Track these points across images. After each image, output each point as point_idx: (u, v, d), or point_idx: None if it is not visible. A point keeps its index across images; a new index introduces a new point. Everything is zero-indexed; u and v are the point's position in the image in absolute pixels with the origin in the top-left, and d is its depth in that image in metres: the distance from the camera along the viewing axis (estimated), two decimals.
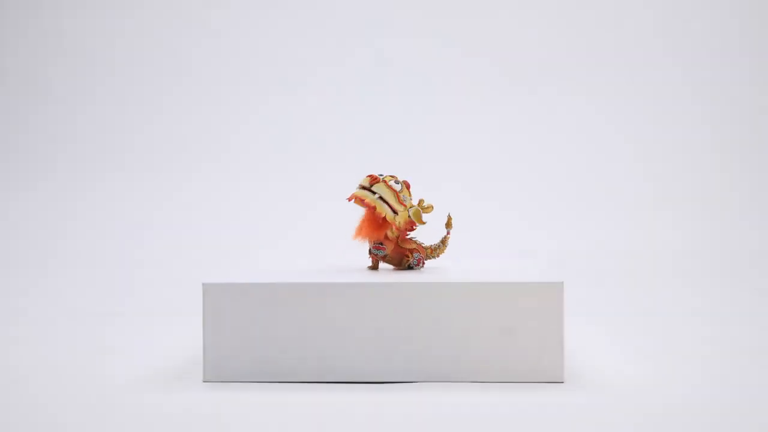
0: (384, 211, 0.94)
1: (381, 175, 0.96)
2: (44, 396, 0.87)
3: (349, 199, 0.96)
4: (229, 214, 1.81)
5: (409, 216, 0.96)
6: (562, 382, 0.88)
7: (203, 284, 0.89)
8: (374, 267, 0.98)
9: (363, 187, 0.95)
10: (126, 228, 1.78)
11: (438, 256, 1.01)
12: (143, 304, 1.40)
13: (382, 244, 0.96)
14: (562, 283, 0.89)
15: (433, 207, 0.97)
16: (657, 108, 1.89)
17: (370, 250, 0.97)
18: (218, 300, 0.89)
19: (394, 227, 0.95)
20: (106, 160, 1.89)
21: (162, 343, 1.10)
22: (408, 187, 0.97)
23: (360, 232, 0.96)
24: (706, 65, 1.89)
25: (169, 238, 1.75)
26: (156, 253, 1.70)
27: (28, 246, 1.74)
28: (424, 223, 0.97)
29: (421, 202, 0.97)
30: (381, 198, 0.95)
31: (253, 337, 0.89)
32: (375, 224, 0.95)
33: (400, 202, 0.95)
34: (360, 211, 0.96)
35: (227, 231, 1.77)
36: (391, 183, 0.95)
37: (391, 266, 0.99)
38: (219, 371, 0.89)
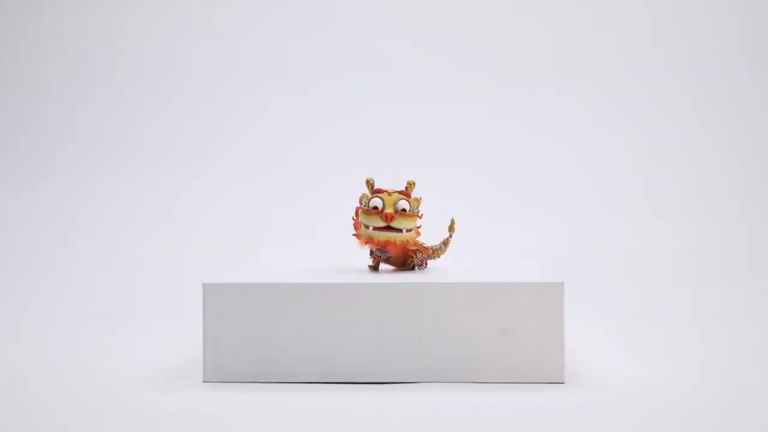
0: (413, 239, 0.94)
1: (378, 193, 0.94)
2: (44, 396, 0.87)
3: (370, 244, 0.94)
4: (230, 213, 1.81)
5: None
6: (563, 383, 0.88)
7: (203, 284, 0.89)
8: (375, 267, 0.98)
9: (378, 228, 0.93)
10: (126, 228, 1.78)
11: (439, 257, 1.01)
12: (143, 304, 1.40)
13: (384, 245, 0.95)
14: (563, 283, 0.89)
15: (414, 182, 0.96)
16: (657, 108, 1.89)
17: (372, 251, 0.97)
18: (218, 300, 0.89)
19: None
20: (107, 161, 1.89)
21: (162, 343, 1.10)
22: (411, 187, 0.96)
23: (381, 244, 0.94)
24: (706, 65, 1.89)
25: (169, 238, 1.75)
26: (156, 253, 1.69)
27: (28, 246, 1.74)
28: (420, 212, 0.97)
29: (409, 183, 0.96)
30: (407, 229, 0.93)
31: (253, 337, 0.89)
32: (401, 248, 0.94)
33: (418, 217, 0.95)
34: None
35: (228, 231, 1.76)
36: (403, 204, 0.93)
37: (391, 266, 0.98)
38: (219, 371, 0.89)
